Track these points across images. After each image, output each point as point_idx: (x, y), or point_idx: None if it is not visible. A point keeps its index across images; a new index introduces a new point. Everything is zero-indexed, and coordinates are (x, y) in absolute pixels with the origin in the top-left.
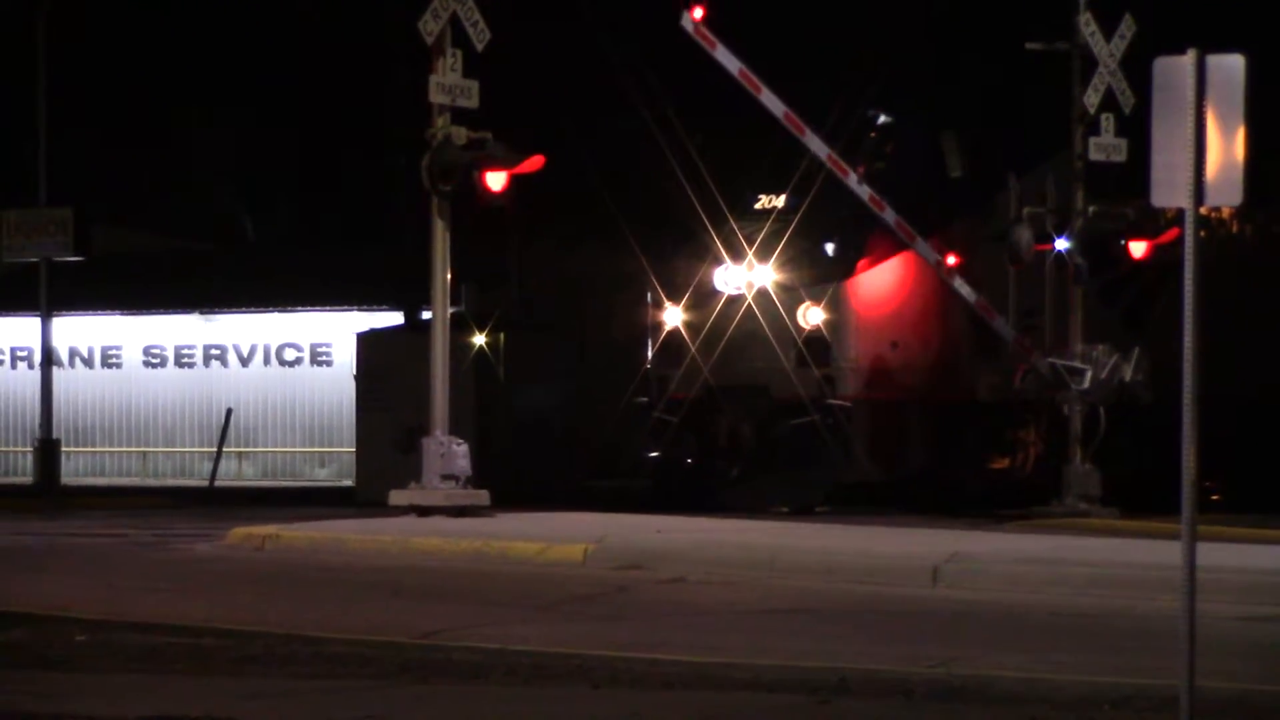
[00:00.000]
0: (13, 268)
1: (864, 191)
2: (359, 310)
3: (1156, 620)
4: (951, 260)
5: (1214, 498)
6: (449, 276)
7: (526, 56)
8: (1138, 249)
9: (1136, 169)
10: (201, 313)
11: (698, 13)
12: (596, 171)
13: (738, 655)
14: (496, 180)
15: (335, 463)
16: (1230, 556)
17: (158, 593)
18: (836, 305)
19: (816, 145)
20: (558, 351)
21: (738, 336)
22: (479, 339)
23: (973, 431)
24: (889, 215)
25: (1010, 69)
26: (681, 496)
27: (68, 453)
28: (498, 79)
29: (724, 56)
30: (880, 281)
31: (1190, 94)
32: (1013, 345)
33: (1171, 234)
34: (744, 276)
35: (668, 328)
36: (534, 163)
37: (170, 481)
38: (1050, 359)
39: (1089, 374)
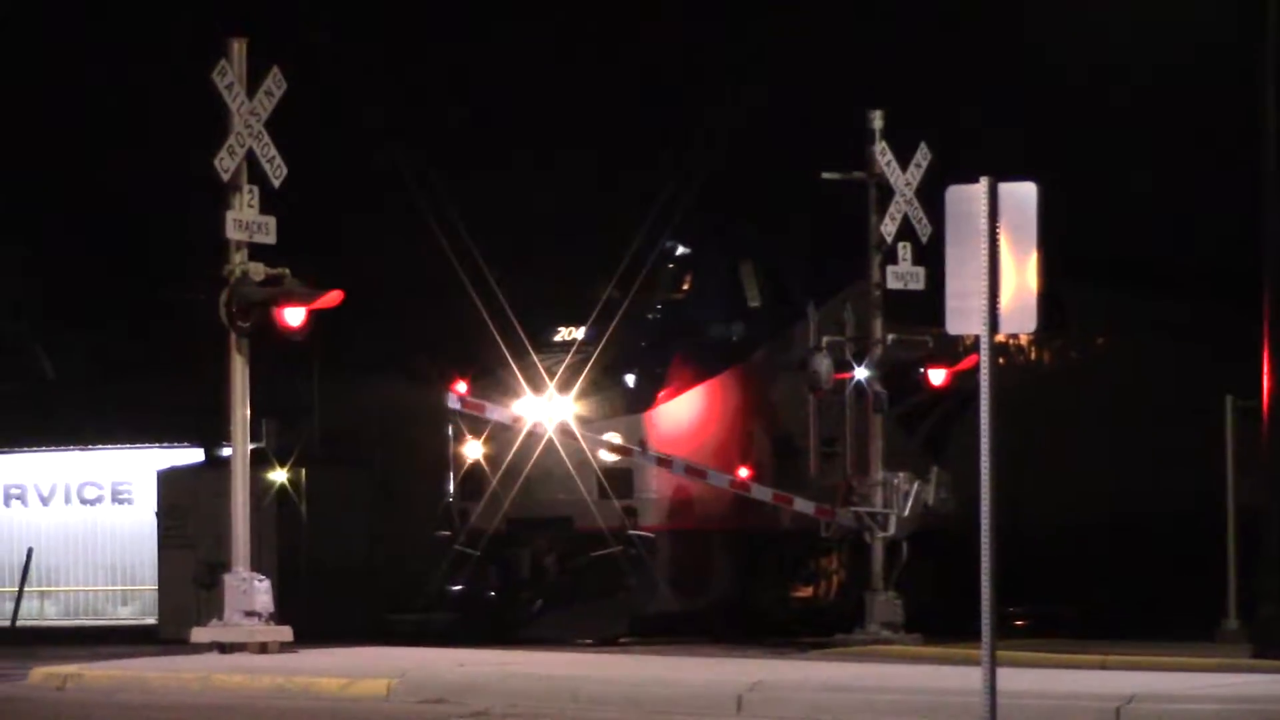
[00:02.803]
0: None
1: None
2: (160, 447)
3: None
4: None
5: (1018, 623)
6: (248, 412)
7: (327, 189)
8: (936, 377)
9: (935, 297)
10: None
11: (461, 387)
12: (397, 304)
13: None
14: (295, 316)
15: (138, 600)
16: (1031, 681)
17: None
18: (636, 437)
19: None
20: (360, 485)
21: (539, 469)
22: (280, 474)
23: (776, 560)
24: None
25: (808, 198)
26: (485, 629)
27: None
28: (297, 211)
29: (495, 413)
30: (681, 412)
31: (983, 222)
32: (815, 511)
33: (970, 361)
34: (544, 409)
35: (469, 460)
36: (332, 298)
37: None
38: (854, 508)
39: (893, 518)
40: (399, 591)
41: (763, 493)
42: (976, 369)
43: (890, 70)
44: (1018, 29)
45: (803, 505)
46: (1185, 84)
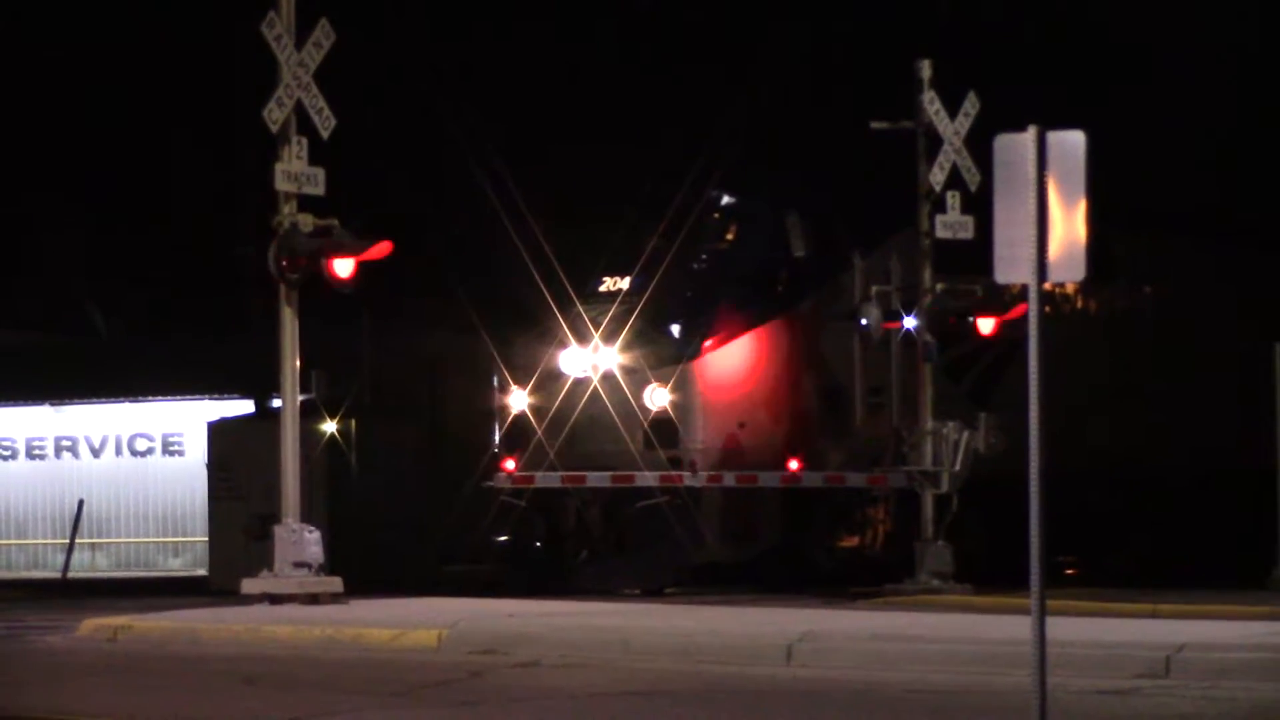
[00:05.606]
0: None
1: None
2: (210, 399)
3: (1010, 696)
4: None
5: (1068, 572)
6: (298, 363)
7: (374, 140)
8: (986, 326)
9: (984, 246)
10: (52, 403)
11: (510, 464)
12: (444, 255)
13: None
14: (344, 267)
15: (189, 552)
16: (1082, 631)
17: (6, 685)
18: (683, 387)
19: None
20: (408, 436)
21: (584, 419)
22: (330, 426)
23: (822, 510)
24: None
25: (854, 148)
26: (532, 580)
27: None
28: (345, 163)
29: (544, 480)
30: (727, 362)
31: (1031, 170)
32: (868, 480)
33: (1019, 310)
34: (590, 359)
35: (514, 411)
36: (381, 249)
37: (23, 574)
38: (906, 468)
39: (944, 475)
40: (447, 542)
41: (814, 478)
42: (1026, 318)
43: (938, 20)
44: None
45: (855, 480)
46: (1233, 32)
